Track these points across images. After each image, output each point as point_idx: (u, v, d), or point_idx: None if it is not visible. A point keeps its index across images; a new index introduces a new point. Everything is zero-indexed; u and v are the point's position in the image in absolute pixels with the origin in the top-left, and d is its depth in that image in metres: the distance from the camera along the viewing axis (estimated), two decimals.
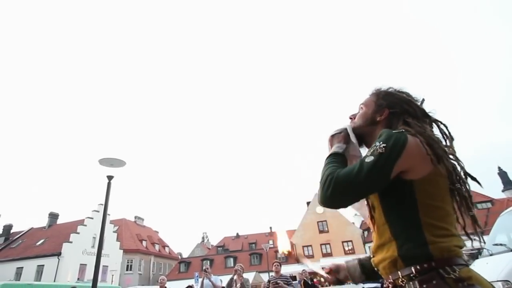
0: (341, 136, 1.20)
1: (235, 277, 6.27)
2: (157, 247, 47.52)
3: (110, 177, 6.70)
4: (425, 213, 0.96)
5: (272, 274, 6.42)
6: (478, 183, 1.10)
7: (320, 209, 38.96)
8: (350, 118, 1.25)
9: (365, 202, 1.13)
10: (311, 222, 38.85)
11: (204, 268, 7.16)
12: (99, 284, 6.56)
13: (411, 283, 0.92)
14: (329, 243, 37.29)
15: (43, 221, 37.81)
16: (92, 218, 33.94)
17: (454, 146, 1.08)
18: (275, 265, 6.39)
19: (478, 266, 5.54)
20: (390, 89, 1.19)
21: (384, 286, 1.04)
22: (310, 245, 37.40)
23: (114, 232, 36.67)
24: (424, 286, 0.89)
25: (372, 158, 0.94)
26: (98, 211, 34.35)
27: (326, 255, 36.37)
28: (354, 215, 48.89)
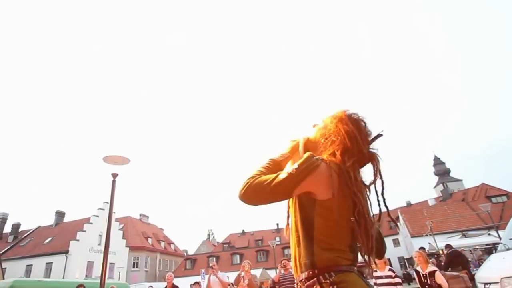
0: (294, 145, 1.36)
1: (243, 273, 6.20)
2: (162, 244, 47.71)
3: (114, 175, 6.62)
4: (318, 230, 1.13)
5: (282, 271, 6.34)
6: (395, 223, 1.37)
7: None
8: (313, 127, 1.37)
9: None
10: None
11: (210, 265, 7.16)
12: (106, 281, 6.58)
13: (303, 287, 1.12)
14: None
15: (50, 220, 37.96)
16: (97, 216, 34.10)
17: (380, 183, 1.21)
18: (283, 262, 6.32)
19: (494, 261, 5.50)
20: (348, 116, 1.26)
21: None
22: None
23: (120, 230, 36.85)
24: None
25: (284, 175, 1.11)
26: (103, 209, 34.45)
27: None
28: None
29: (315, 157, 1.15)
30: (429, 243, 21.69)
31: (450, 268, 7.14)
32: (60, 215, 37.72)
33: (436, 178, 54.71)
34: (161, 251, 45.68)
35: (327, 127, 1.27)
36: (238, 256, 41.57)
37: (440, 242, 19.90)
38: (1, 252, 31.91)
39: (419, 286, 4.55)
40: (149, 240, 44.54)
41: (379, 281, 4.96)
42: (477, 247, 19.11)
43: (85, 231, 32.28)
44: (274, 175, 1.14)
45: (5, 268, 29.32)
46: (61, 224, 36.47)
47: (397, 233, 39.63)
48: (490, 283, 4.71)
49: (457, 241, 19.58)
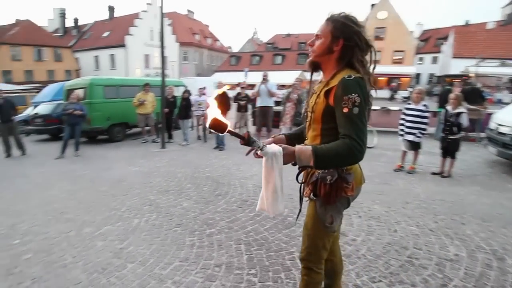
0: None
1: (291, 90, 6.99)
2: (209, 41, 49.86)
3: None
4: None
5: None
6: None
7: (383, 14, 35.20)
8: (309, 45, 1.39)
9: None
10: (369, 28, 35.23)
11: (263, 76, 7.88)
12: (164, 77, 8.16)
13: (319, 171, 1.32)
14: (380, 51, 35.28)
15: (103, 14, 39.81)
16: (146, 11, 35.02)
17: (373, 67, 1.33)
18: (297, 80, 7.10)
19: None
20: (344, 18, 1.28)
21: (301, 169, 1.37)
22: None
23: (169, 25, 38.25)
24: (326, 170, 1.30)
25: (357, 109, 1.16)
26: (150, 4, 34.95)
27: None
28: (417, 23, 43.52)
29: (352, 78, 1.19)
30: (466, 67, 20.96)
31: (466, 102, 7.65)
32: (111, 10, 39.19)
33: None
34: (208, 47, 48.39)
35: (333, 35, 1.29)
36: (280, 57, 42.99)
37: (479, 67, 19.14)
38: (71, 44, 36.27)
39: (443, 122, 5.04)
40: (196, 36, 46.43)
41: (409, 112, 5.18)
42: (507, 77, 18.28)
43: (136, 26, 34.27)
44: (348, 120, 1.17)
45: (77, 58, 34.34)
46: (114, 19, 38.41)
47: (439, 52, 37.75)
48: (503, 125, 5.37)
49: (493, 69, 18.66)
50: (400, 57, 34.99)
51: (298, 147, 1.24)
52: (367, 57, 1.31)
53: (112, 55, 34.47)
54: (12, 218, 3.64)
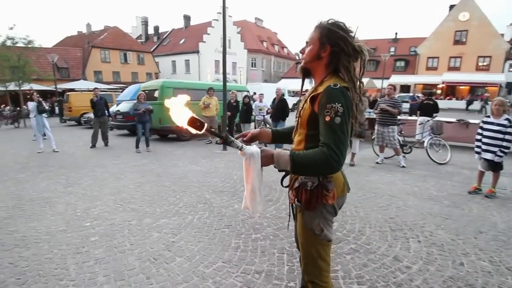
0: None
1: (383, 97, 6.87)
2: (276, 48, 50.55)
3: None
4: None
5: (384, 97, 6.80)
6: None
7: (464, 16, 31.56)
8: (301, 53, 1.50)
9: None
10: (448, 31, 32.51)
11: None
12: (231, 81, 8.46)
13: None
14: (461, 57, 32.17)
15: (179, 23, 43.30)
16: (217, 20, 37.04)
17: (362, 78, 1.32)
18: (388, 88, 6.63)
19: None
20: (331, 25, 1.29)
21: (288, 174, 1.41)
22: (437, 57, 33.18)
23: (238, 33, 39.90)
24: (307, 176, 1.29)
25: (339, 118, 1.15)
26: (221, 13, 36.88)
27: (453, 69, 32.29)
28: (509, 24, 38.01)
29: (338, 87, 1.19)
30: None
31: None
32: (187, 18, 42.50)
33: None
34: (275, 54, 49.11)
35: (320, 42, 1.30)
36: None
37: None
38: (152, 49, 40.15)
39: None
40: (264, 43, 47.50)
41: (487, 126, 4.55)
42: None
43: (209, 34, 36.50)
44: (330, 130, 1.16)
45: (158, 62, 37.80)
46: (189, 28, 41.56)
47: None
48: None
49: None
50: (486, 64, 30.84)
51: (277, 150, 1.25)
52: (357, 63, 1.30)
53: (187, 60, 37.27)
54: (88, 203, 4.15)
